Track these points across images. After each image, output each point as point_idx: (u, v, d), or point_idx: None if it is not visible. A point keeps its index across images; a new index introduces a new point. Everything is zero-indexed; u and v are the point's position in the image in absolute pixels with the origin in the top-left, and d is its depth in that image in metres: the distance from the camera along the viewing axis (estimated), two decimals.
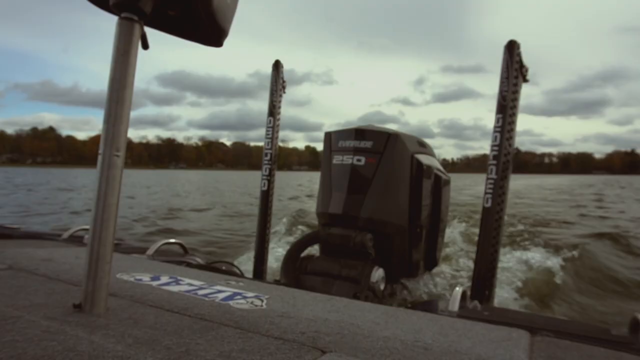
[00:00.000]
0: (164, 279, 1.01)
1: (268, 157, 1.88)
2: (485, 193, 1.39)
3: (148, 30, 0.75)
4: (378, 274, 1.40)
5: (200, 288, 0.96)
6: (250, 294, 0.94)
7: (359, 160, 1.49)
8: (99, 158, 0.70)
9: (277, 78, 1.89)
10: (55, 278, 0.94)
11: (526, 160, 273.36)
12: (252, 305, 0.85)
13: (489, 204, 1.39)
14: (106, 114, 0.70)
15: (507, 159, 1.40)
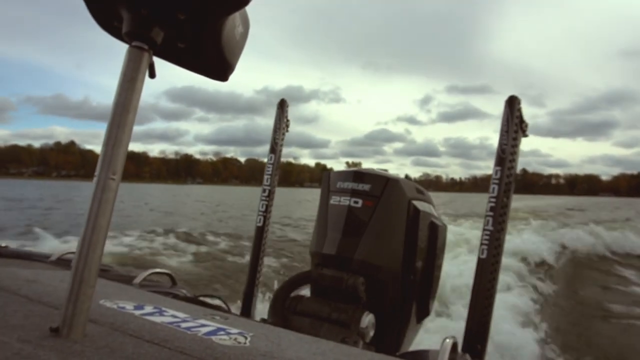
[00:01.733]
0: (148, 309, 0.97)
1: (266, 194, 1.84)
2: (481, 244, 1.37)
3: (156, 59, 0.75)
4: (368, 319, 1.36)
5: (184, 321, 0.92)
6: (234, 331, 0.90)
7: (356, 202, 1.48)
8: (94, 180, 0.69)
9: (282, 116, 1.88)
10: (36, 300, 0.90)
11: (533, 181, 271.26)
12: (235, 342, 0.82)
13: (484, 255, 1.36)
14: (106, 137, 0.70)
15: (505, 212, 1.39)
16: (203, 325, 0.89)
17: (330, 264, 1.45)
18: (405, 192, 1.53)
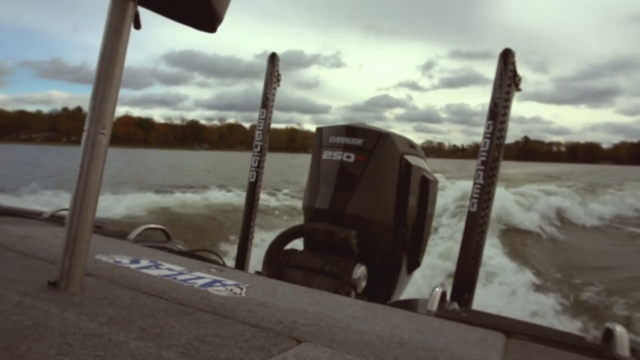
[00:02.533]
0: (144, 263, 0.97)
1: (258, 149, 1.82)
2: (472, 198, 1.36)
3: (147, 11, 0.72)
4: (360, 271, 1.36)
5: (180, 273, 0.92)
6: (229, 282, 0.90)
7: (348, 157, 1.45)
8: (84, 135, 0.67)
9: (273, 70, 1.83)
10: (32, 255, 0.90)
11: (535, 149, 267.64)
12: (231, 292, 0.83)
13: (474, 209, 1.36)
14: (94, 91, 0.68)
15: (495, 165, 1.37)
16: (199, 278, 0.90)
17: (322, 218, 1.45)
18: (397, 147, 1.49)
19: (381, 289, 1.51)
